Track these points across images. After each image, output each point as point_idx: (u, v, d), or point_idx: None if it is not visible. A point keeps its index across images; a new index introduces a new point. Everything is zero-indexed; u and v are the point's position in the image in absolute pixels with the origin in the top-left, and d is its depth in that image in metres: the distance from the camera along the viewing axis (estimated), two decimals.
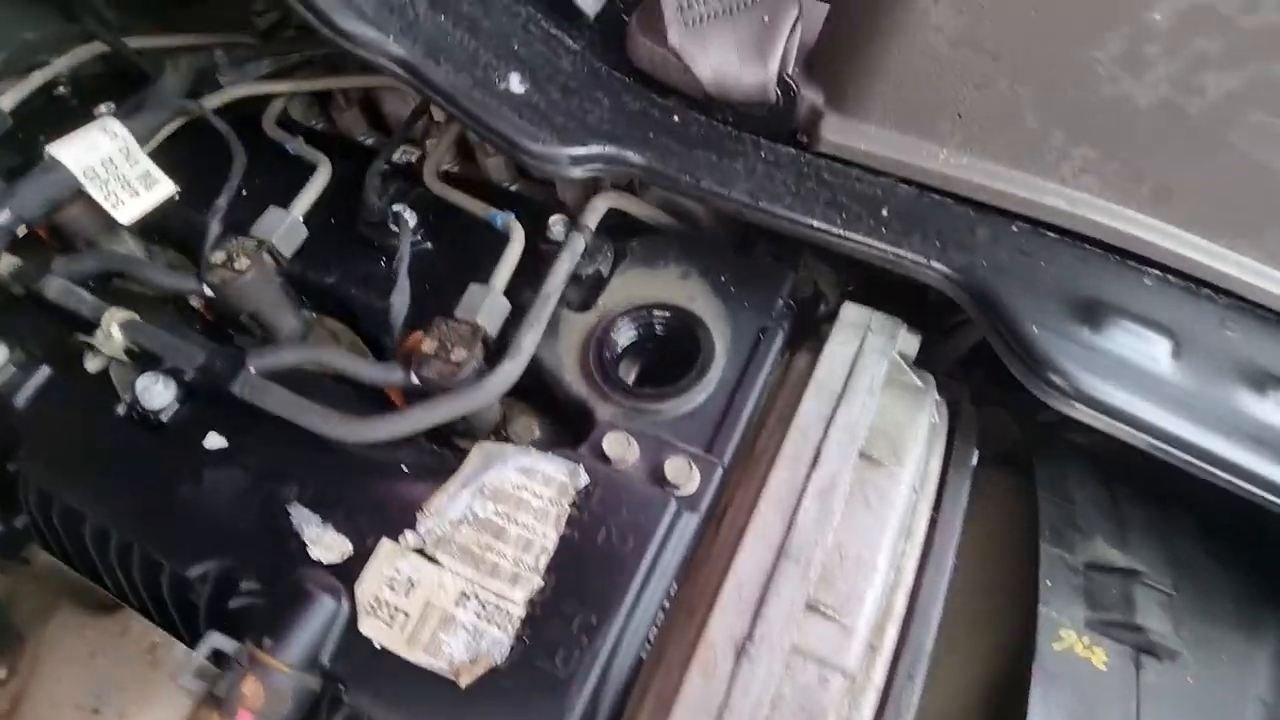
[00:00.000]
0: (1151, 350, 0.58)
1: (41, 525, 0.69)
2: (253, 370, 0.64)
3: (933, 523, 0.61)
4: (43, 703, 0.82)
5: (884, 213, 0.65)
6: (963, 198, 0.66)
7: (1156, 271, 0.63)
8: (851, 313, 0.70)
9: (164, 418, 0.67)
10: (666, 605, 0.57)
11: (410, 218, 0.78)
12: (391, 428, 0.61)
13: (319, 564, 0.58)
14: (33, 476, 0.67)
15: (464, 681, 0.52)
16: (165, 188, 0.83)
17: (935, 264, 0.63)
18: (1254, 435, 0.55)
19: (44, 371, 0.70)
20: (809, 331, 0.73)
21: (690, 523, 0.59)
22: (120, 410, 0.68)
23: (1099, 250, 0.64)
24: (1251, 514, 0.64)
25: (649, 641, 0.56)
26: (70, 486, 0.66)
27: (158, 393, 0.67)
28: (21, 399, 0.69)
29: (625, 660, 0.54)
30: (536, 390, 0.70)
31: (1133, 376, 0.57)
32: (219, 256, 0.74)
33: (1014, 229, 0.65)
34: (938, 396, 0.70)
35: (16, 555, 0.77)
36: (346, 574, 0.57)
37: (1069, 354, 0.58)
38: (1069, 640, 0.63)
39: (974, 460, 0.68)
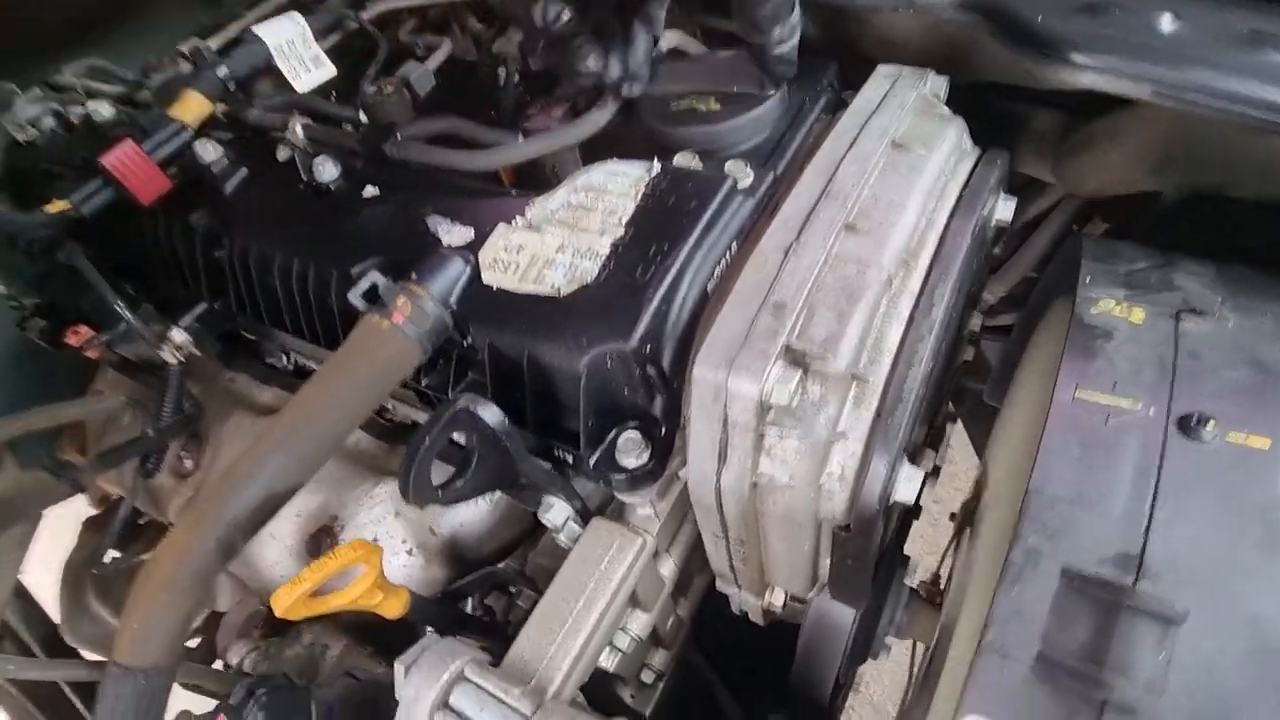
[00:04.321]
0: (1152, 22, 0.66)
1: (239, 278, 0.88)
2: (399, 136, 0.83)
3: (960, 198, 0.69)
4: None
5: None
6: None
7: None
8: (885, 68, 0.81)
9: (331, 186, 0.86)
10: (727, 260, 0.68)
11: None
12: (507, 155, 0.77)
13: (450, 247, 0.73)
14: (237, 238, 0.87)
15: (562, 293, 0.65)
16: (329, 70, 1.06)
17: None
18: (1249, 71, 0.61)
19: (244, 170, 0.92)
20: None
21: (746, 203, 0.70)
22: (300, 187, 0.88)
23: None
24: None
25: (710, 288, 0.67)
26: (264, 238, 0.85)
27: (327, 169, 0.86)
28: (229, 187, 0.91)
29: (692, 287, 0.65)
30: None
31: (1135, 43, 0.65)
32: (371, 89, 0.95)
33: None
34: (969, 141, 0.79)
35: (218, 332, 0.97)
36: (471, 250, 0.72)
37: (1076, 32, 0.67)
38: (1106, 306, 0.68)
39: (1002, 174, 0.76)
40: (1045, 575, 0.52)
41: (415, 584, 0.90)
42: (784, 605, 0.82)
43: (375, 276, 0.68)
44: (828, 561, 0.73)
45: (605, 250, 0.67)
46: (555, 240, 0.69)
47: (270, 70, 1.04)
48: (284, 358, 1.09)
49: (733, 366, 0.56)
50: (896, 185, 0.66)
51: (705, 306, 0.66)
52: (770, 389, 0.55)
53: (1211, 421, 0.55)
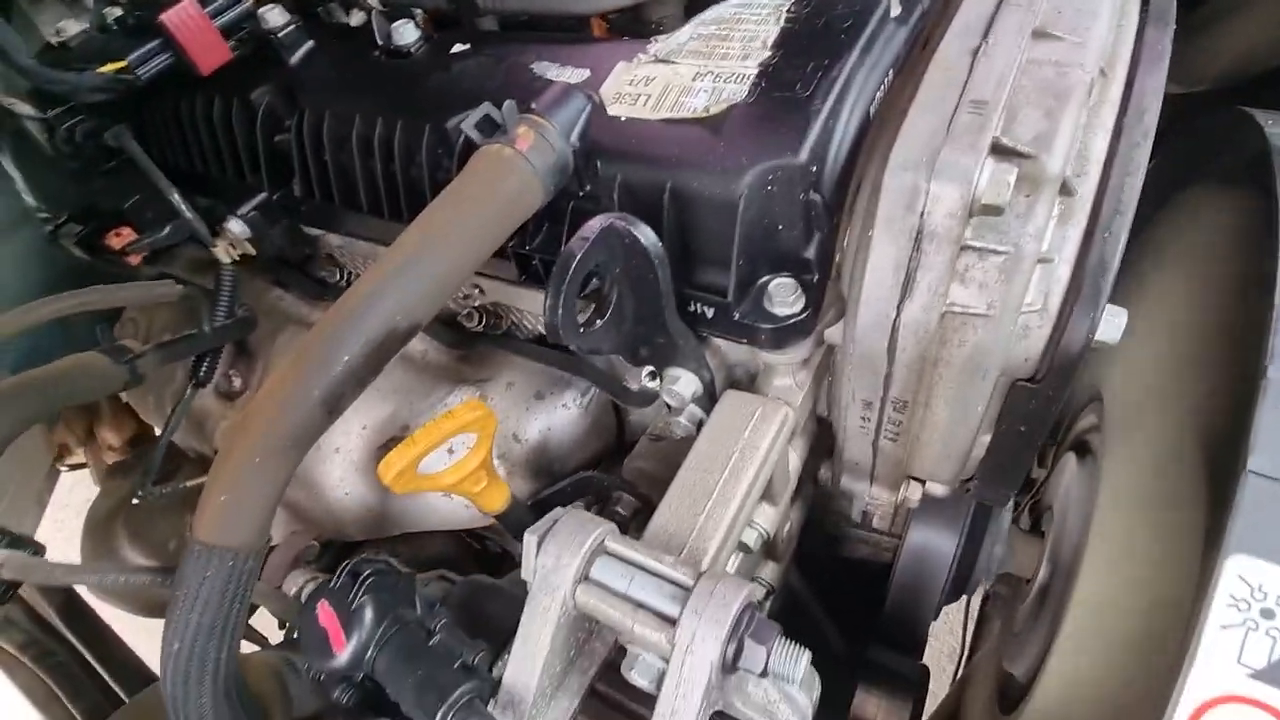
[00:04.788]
0: None
1: (309, 154, 0.80)
2: None
3: (1147, 12, 0.62)
4: None
5: None
6: None
7: None
8: None
9: (411, 50, 0.78)
10: (885, 89, 0.61)
11: None
12: None
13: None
14: (307, 109, 0.79)
15: (711, 112, 0.57)
16: None
17: None
18: None
19: (310, 41, 0.84)
20: None
21: (899, 31, 0.63)
22: (376, 54, 0.80)
23: None
24: None
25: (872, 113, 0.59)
26: (338, 106, 0.77)
27: (408, 31, 0.79)
28: (294, 58, 0.83)
29: (857, 107, 0.57)
30: None
31: None
32: None
33: None
34: None
35: (279, 222, 0.88)
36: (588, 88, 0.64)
37: None
38: None
39: None
40: None
41: None
42: (920, 499, 0.74)
43: (488, 108, 0.60)
44: (986, 439, 0.66)
45: (753, 72, 0.59)
46: (690, 69, 0.62)
47: None
48: (337, 273, 1.01)
49: (935, 165, 0.48)
50: None
51: (869, 132, 0.58)
52: (983, 185, 0.47)
53: None
